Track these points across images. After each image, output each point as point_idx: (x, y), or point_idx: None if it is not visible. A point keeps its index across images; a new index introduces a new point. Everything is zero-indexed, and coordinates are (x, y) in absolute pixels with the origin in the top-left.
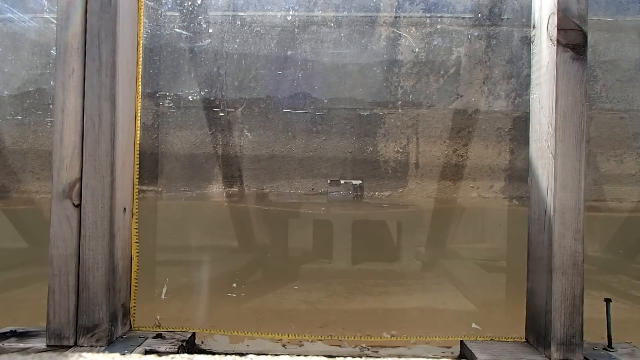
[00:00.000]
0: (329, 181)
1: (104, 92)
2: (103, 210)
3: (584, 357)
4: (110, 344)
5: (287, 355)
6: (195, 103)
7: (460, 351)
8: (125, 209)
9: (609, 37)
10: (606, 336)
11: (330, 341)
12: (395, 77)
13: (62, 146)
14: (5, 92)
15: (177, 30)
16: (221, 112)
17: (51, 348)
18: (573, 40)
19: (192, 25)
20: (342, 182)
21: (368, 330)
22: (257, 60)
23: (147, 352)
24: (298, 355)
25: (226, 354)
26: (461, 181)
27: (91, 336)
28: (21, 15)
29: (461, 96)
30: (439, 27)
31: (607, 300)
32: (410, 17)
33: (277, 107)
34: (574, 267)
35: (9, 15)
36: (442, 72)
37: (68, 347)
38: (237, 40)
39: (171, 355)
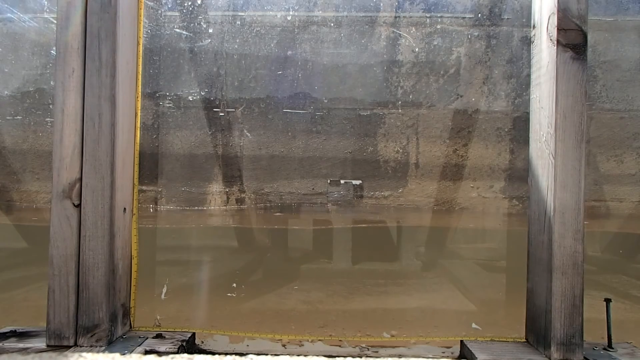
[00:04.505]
0: (329, 181)
1: (104, 92)
2: (103, 210)
3: (584, 357)
4: (110, 344)
5: (287, 355)
6: (195, 103)
7: (460, 351)
8: (125, 209)
9: (609, 37)
10: (606, 336)
11: (330, 341)
12: (395, 77)
13: (62, 146)
14: (5, 92)
15: (177, 30)
16: (221, 112)
17: (51, 348)
18: (573, 40)
19: (192, 25)
20: (342, 182)
21: (368, 330)
22: (257, 60)
23: (147, 352)
24: (298, 355)
25: (226, 354)
26: (461, 181)
27: (91, 336)
28: (21, 15)
29: (461, 96)
30: (439, 27)
31: (607, 300)
32: (410, 17)
33: (277, 107)
34: (574, 267)
35: (9, 15)
36: (442, 72)
37: (68, 347)
38: (237, 40)
39: (171, 355)
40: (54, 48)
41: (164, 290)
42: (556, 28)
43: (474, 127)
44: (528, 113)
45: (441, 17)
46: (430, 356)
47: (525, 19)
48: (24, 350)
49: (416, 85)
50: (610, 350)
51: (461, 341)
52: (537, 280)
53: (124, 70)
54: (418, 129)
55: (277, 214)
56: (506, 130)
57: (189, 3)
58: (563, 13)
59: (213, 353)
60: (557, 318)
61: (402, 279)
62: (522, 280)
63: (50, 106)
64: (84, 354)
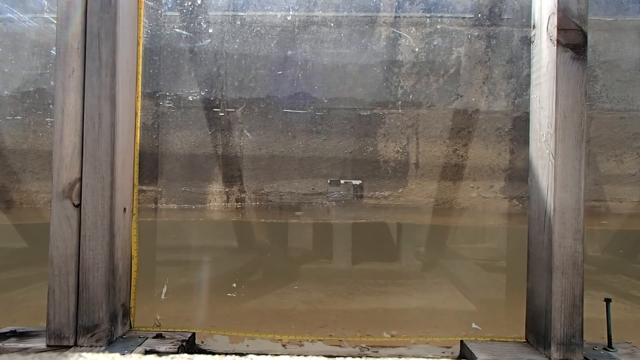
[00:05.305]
0: (329, 181)
1: (104, 92)
2: (103, 210)
3: (584, 357)
4: (110, 344)
5: (287, 355)
6: (195, 103)
7: (460, 351)
8: (125, 209)
9: (609, 37)
10: (606, 336)
11: (330, 341)
12: (395, 77)
13: (62, 146)
14: (5, 92)
15: (177, 30)
16: (221, 112)
17: (51, 348)
18: (573, 40)
19: (192, 25)
20: (342, 182)
21: (368, 330)
22: (257, 60)
23: (147, 352)
24: (298, 355)
25: (226, 354)
26: (461, 181)
27: (91, 336)
28: (21, 15)
29: (461, 96)
30: (439, 27)
31: (607, 300)
32: (410, 17)
33: (277, 107)
34: (574, 267)
35: (9, 15)
36: (442, 72)
37: (68, 347)
38: (237, 40)
39: (171, 355)
40: (54, 48)
41: (164, 290)
42: (556, 28)
43: (474, 127)
44: (528, 113)
45: (441, 17)
46: (430, 356)
47: (525, 19)
48: (24, 350)
49: (416, 85)
50: (610, 350)
51: (461, 341)
52: (537, 280)
53: (124, 70)
54: (418, 129)
55: (277, 213)
56: (506, 130)
57: (189, 3)
58: (563, 13)
59: (213, 353)
60: (557, 318)
61: (402, 279)
62: (522, 280)
63: (50, 106)
64: (84, 354)
